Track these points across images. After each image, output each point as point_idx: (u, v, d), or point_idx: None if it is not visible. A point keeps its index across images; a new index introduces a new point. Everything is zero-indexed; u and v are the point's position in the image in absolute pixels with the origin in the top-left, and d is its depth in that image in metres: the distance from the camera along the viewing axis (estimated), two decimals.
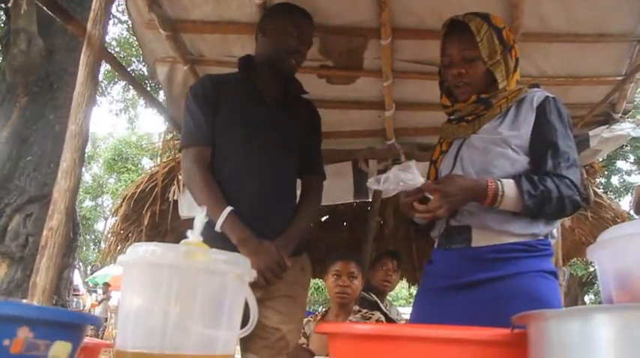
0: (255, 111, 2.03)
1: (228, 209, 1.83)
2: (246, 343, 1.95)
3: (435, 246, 1.87)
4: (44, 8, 2.02)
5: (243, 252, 1.76)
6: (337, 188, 3.83)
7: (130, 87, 13.53)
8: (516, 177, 1.62)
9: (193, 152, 1.96)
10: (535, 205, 1.58)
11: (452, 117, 1.87)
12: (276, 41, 2.04)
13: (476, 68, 1.75)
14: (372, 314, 3.09)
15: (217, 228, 1.81)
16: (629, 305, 0.72)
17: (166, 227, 4.06)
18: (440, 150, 1.92)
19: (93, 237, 25.61)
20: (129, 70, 8.84)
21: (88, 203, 25.29)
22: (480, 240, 1.69)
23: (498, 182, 1.60)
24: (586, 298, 15.74)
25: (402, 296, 23.10)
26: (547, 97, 1.74)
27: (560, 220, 1.78)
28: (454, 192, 1.59)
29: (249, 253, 1.74)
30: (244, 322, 1.05)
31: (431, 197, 1.62)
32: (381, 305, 3.55)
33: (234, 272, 1.00)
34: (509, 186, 1.60)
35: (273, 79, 2.09)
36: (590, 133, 3.44)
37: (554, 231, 1.75)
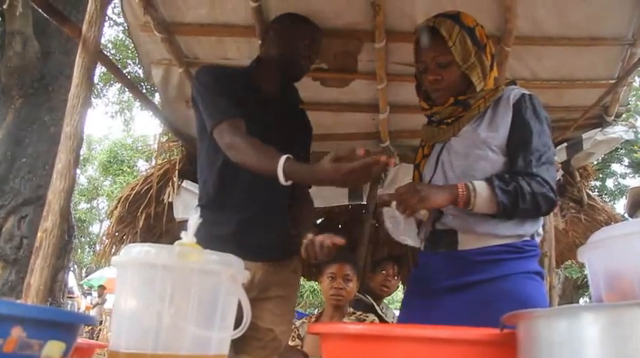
0: (260, 111, 2.04)
1: (282, 159, 1.63)
2: (238, 344, 1.95)
3: (422, 248, 1.87)
4: (40, 10, 2.03)
5: (325, 178, 1.59)
6: (332, 190, 3.84)
7: (126, 89, 13.50)
8: (486, 178, 1.62)
9: (228, 125, 1.80)
10: (509, 202, 1.57)
11: (432, 119, 1.87)
12: (289, 43, 2.05)
13: (451, 72, 1.73)
14: (367, 317, 3.10)
15: (281, 181, 1.63)
16: (616, 303, 0.73)
17: (161, 229, 4.06)
18: (422, 154, 1.92)
19: (88, 239, 25.54)
20: (124, 72, 8.84)
21: (83, 205, 25.21)
22: (466, 243, 1.69)
23: (468, 183, 1.60)
24: (581, 301, 15.76)
25: (397, 300, 23.09)
26: (523, 95, 1.73)
27: (543, 219, 1.78)
28: (423, 186, 1.60)
29: (328, 177, 1.58)
30: (237, 323, 1.06)
31: None
32: (377, 307, 3.56)
33: (228, 272, 1.01)
34: (480, 185, 1.60)
35: (277, 82, 2.10)
36: (584, 136, 3.46)
37: (540, 230, 1.76)
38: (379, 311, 3.53)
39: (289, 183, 1.62)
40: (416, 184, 1.60)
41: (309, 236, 1.74)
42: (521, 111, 1.70)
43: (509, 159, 1.69)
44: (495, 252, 1.66)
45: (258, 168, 1.69)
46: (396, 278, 3.83)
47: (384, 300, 3.98)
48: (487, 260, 1.66)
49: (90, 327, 11.44)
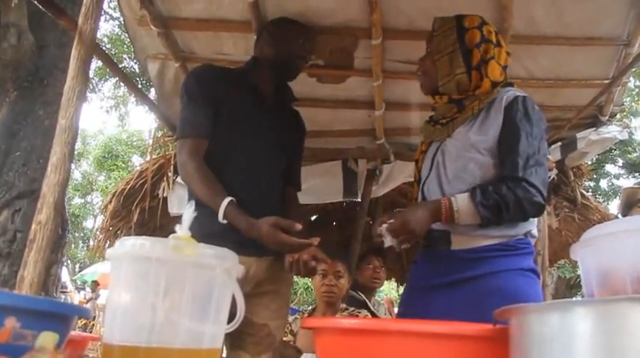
0: (254, 113, 2.04)
1: (227, 200, 1.78)
2: (234, 340, 1.96)
3: (420, 246, 1.90)
4: (36, 2, 2.01)
5: (257, 236, 1.74)
6: (327, 187, 3.84)
7: (121, 84, 13.47)
8: (470, 190, 1.64)
9: (190, 144, 1.91)
10: (492, 214, 1.61)
11: (432, 117, 1.93)
12: (283, 42, 2.08)
13: (429, 61, 1.86)
14: (359, 312, 3.11)
15: (220, 219, 1.77)
16: (606, 298, 0.74)
17: (155, 223, 4.06)
18: (421, 150, 1.97)
19: (82, 234, 25.46)
20: (120, 67, 8.80)
21: (77, 200, 25.13)
22: (458, 243, 1.72)
23: (452, 198, 1.64)
24: None
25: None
26: (516, 97, 1.73)
27: (536, 219, 1.80)
28: (412, 218, 1.63)
29: (260, 236, 1.73)
30: (231, 318, 1.06)
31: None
32: (369, 304, 3.57)
33: (222, 266, 1.01)
34: (463, 201, 1.63)
35: (272, 82, 2.11)
36: (578, 136, 3.47)
37: (534, 231, 1.77)
38: (371, 308, 3.54)
39: (225, 221, 1.77)
40: (405, 220, 1.63)
41: (295, 255, 1.83)
42: (511, 113, 1.71)
43: (499, 162, 1.70)
44: (487, 250, 1.68)
45: (201, 199, 1.81)
46: (382, 268, 3.85)
47: (377, 297, 3.99)
48: (479, 257, 1.68)
49: (83, 323, 11.42)
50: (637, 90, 13.65)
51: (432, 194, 1.80)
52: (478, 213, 1.60)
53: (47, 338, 0.85)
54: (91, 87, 13.49)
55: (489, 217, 1.61)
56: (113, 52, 12.42)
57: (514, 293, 1.59)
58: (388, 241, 1.68)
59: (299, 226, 1.70)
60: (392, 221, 1.65)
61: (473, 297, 1.62)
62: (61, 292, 12.73)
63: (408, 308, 1.85)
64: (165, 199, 3.83)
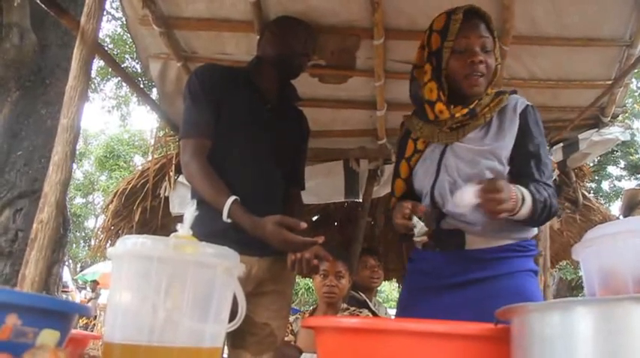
0: (257, 112, 2.04)
1: (231, 199, 1.78)
2: (235, 339, 1.96)
3: (420, 246, 1.83)
4: (38, 2, 2.02)
5: (262, 235, 1.73)
6: (328, 187, 3.85)
7: (123, 84, 13.49)
8: (528, 187, 1.59)
9: (193, 144, 1.91)
10: (538, 214, 1.60)
11: (436, 119, 1.78)
12: (285, 41, 2.09)
13: (492, 60, 1.71)
14: (360, 312, 3.10)
15: (224, 219, 1.77)
16: (608, 298, 0.74)
17: (157, 223, 4.05)
18: (414, 148, 1.88)
19: (83, 234, 25.47)
20: (122, 66, 8.79)
21: (78, 200, 25.14)
22: (474, 243, 1.70)
23: (516, 189, 1.54)
24: None
25: (392, 298, 23.11)
26: (527, 106, 1.76)
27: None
28: (504, 191, 1.47)
29: (265, 235, 1.73)
30: (233, 317, 1.06)
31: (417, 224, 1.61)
32: (370, 303, 3.57)
33: (224, 265, 1.01)
34: (526, 196, 1.56)
35: (275, 81, 2.11)
36: (580, 137, 3.47)
37: (536, 229, 1.80)
38: (372, 307, 3.54)
39: (229, 220, 1.76)
40: (500, 186, 1.46)
41: (297, 253, 1.81)
42: (528, 121, 1.73)
43: (516, 169, 1.70)
44: (503, 250, 1.69)
45: (205, 199, 1.80)
46: (379, 266, 3.84)
47: (378, 298, 3.98)
48: (494, 257, 1.68)
49: (84, 322, 11.43)
50: (639, 91, 13.64)
51: (444, 197, 1.74)
52: (534, 209, 1.57)
53: (48, 336, 0.85)
54: (93, 87, 13.53)
55: (534, 217, 1.59)
56: (115, 52, 12.43)
57: (526, 294, 1.62)
58: (420, 228, 1.61)
59: (304, 225, 1.70)
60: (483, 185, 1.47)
61: (482, 298, 1.60)
62: (63, 291, 12.73)
63: (411, 309, 1.80)
64: (166, 199, 3.83)
